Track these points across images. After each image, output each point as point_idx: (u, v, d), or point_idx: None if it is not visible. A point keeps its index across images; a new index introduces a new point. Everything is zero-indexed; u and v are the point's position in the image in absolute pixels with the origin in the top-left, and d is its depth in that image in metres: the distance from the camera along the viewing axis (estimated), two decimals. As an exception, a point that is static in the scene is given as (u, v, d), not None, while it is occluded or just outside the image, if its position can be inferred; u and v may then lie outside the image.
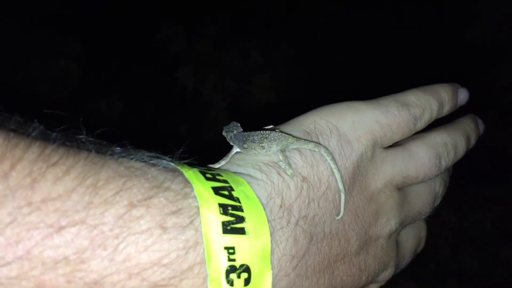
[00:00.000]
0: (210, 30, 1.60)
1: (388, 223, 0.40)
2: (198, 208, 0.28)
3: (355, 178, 0.38)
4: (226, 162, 0.38)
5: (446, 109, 0.44)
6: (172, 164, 0.32)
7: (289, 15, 1.65)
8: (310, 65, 1.54)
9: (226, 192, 0.31)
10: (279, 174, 0.35)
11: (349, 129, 0.39)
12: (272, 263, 0.30)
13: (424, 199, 0.43)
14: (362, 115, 0.40)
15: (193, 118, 1.51)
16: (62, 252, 0.24)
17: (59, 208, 0.25)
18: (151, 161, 0.31)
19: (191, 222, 0.28)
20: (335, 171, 0.36)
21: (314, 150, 0.36)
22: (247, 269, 0.29)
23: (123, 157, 0.30)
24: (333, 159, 0.36)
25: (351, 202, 0.37)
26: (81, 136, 0.29)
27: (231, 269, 0.28)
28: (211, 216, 0.29)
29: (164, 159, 0.32)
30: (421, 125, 0.42)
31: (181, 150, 0.33)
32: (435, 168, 0.42)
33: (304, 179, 0.35)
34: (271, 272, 0.30)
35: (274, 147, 0.36)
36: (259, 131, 0.38)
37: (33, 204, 0.24)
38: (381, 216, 0.39)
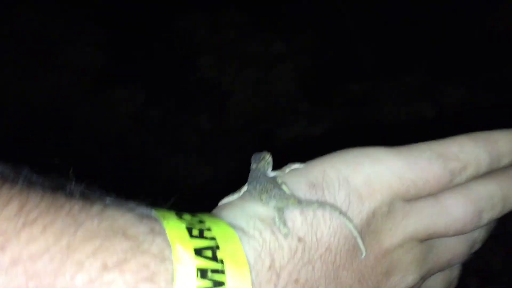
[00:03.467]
0: (233, 19, 1.60)
1: (403, 280, 0.36)
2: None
3: (363, 237, 0.34)
4: (237, 198, 0.36)
5: (505, 161, 0.38)
6: (158, 218, 0.30)
7: (314, 1, 1.63)
8: (335, 54, 1.52)
9: (209, 254, 0.29)
10: (273, 232, 0.32)
11: (363, 182, 0.35)
12: None
13: (455, 250, 0.38)
14: (381, 167, 0.35)
15: (213, 107, 1.51)
16: None
17: (27, 270, 0.24)
18: (138, 212, 0.30)
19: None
20: (346, 222, 0.33)
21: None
22: None
23: (110, 209, 0.29)
24: (342, 212, 0.33)
25: (356, 262, 0.34)
26: (71, 185, 0.28)
27: None
28: (187, 283, 0.27)
29: (155, 208, 0.31)
30: (461, 180, 0.37)
31: (172, 199, 0.31)
32: (471, 224, 0.37)
33: (300, 239, 0.32)
34: None
35: (272, 203, 0.33)
36: (265, 180, 0.35)
37: (1, 267, 0.24)
38: (394, 273, 0.36)
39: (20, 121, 1.33)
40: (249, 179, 0.37)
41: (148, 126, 1.45)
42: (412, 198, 0.36)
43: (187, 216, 0.31)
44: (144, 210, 0.31)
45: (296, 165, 0.36)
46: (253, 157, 0.39)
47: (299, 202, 0.33)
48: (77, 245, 0.26)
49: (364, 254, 0.33)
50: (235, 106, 1.50)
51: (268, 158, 0.38)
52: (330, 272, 0.32)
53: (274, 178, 0.36)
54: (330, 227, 0.33)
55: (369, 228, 0.34)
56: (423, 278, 0.37)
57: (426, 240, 0.37)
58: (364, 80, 1.42)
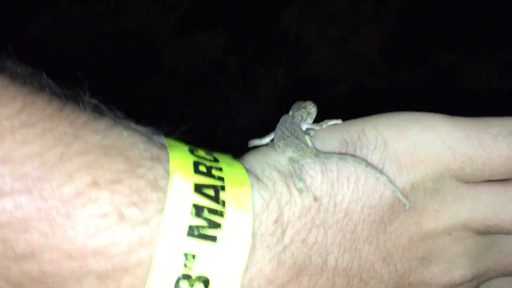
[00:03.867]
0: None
1: (447, 273, 0.32)
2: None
3: (397, 211, 0.30)
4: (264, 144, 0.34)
5: None
6: (167, 147, 0.28)
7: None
8: (424, 22, 1.41)
9: (210, 193, 0.27)
10: (288, 185, 0.30)
11: (405, 149, 0.31)
12: (242, 282, 0.27)
13: None
14: (431, 135, 0.31)
15: (290, 62, 1.49)
16: (4, 218, 0.23)
17: (15, 171, 0.24)
18: (147, 138, 0.28)
19: (153, 218, 0.26)
20: (377, 175, 0.30)
21: (342, 164, 0.30)
22: (205, 281, 0.26)
23: (117, 128, 0.28)
24: (369, 164, 0.30)
25: (383, 238, 0.30)
26: (86, 97, 0.27)
27: (184, 277, 0.26)
28: (178, 217, 0.26)
29: (168, 138, 0.29)
30: None
31: (184, 127, 0.30)
32: None
33: (316, 199, 0.30)
34: None
35: (289, 153, 0.32)
36: (291, 128, 0.33)
37: None
38: (435, 263, 0.32)
39: (110, 57, 1.40)
40: (278, 125, 0.35)
41: (224, 72, 1.46)
42: (470, 179, 0.32)
43: (200, 152, 0.30)
44: (156, 137, 0.30)
45: (335, 121, 0.34)
46: (294, 104, 0.37)
47: (317, 154, 0.31)
48: (71, 156, 0.25)
49: (407, 206, 0.30)
50: (313, 63, 1.46)
51: (310, 108, 0.35)
52: (346, 241, 0.30)
53: (300, 128, 0.33)
54: (354, 191, 0.30)
55: (401, 204, 0.30)
56: (477, 278, 0.33)
57: (485, 233, 0.32)
58: (450, 52, 1.31)
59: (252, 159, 0.33)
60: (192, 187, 0.27)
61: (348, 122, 0.34)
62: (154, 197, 0.26)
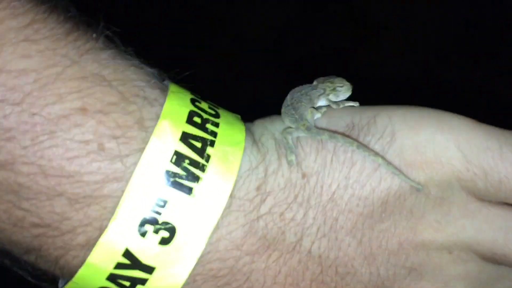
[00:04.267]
0: None
1: None
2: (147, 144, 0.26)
3: (390, 210, 0.28)
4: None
5: None
6: (167, 91, 0.28)
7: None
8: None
9: (197, 145, 0.27)
10: (279, 155, 0.29)
11: (413, 146, 0.28)
12: (209, 240, 0.27)
13: None
14: (447, 137, 0.28)
15: (364, 38, 1.42)
16: None
17: (8, 82, 0.24)
18: (151, 77, 0.28)
19: (132, 155, 0.26)
20: (371, 156, 0.28)
21: (340, 146, 0.29)
22: (171, 230, 0.26)
23: (121, 60, 0.28)
24: (361, 146, 0.28)
25: (368, 235, 0.28)
26: (100, 27, 0.27)
27: (150, 220, 0.26)
28: (156, 160, 0.26)
29: (173, 83, 0.29)
30: None
31: (188, 72, 0.29)
32: None
33: (304, 176, 0.28)
34: (202, 249, 0.26)
35: (287, 122, 0.30)
36: (294, 96, 0.31)
37: None
38: (426, 278, 0.29)
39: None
40: (294, 92, 0.33)
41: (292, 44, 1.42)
42: (484, 196, 0.29)
43: (203, 104, 0.30)
44: (161, 80, 0.29)
45: (352, 103, 0.32)
46: (327, 77, 0.34)
47: (308, 128, 0.29)
48: (65, 79, 0.25)
49: (421, 188, 0.28)
50: (386, 39, 1.39)
51: (338, 85, 0.32)
52: (327, 227, 0.28)
53: (309, 100, 0.32)
54: (346, 177, 0.28)
55: (403, 204, 0.28)
56: None
57: (493, 262, 0.29)
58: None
59: (259, 123, 0.32)
60: (179, 135, 0.27)
61: (364, 107, 0.32)
62: (138, 136, 0.26)
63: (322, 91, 0.33)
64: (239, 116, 0.32)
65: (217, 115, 0.29)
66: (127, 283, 0.27)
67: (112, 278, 0.26)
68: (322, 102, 0.33)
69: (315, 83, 0.34)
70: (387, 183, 0.28)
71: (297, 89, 0.33)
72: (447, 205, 0.29)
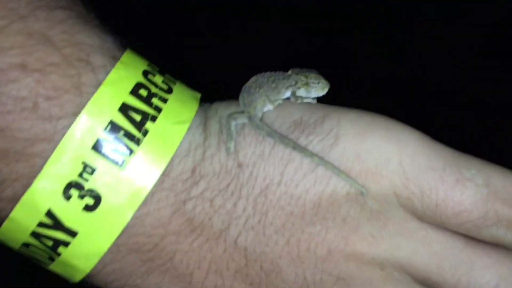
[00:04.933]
0: None
1: None
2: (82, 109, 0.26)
3: (322, 214, 0.27)
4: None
5: None
6: (121, 61, 0.28)
7: None
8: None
9: (136, 117, 0.27)
10: (219, 141, 0.29)
11: (355, 152, 0.27)
12: (134, 214, 0.27)
13: None
14: (393, 149, 0.27)
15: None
16: None
17: None
18: (101, 44, 0.28)
19: (64, 118, 0.26)
20: (308, 157, 0.27)
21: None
22: (96, 198, 0.26)
23: (73, 23, 0.27)
24: (297, 146, 0.27)
25: (297, 236, 0.27)
26: None
27: (76, 185, 0.26)
28: (89, 126, 0.26)
29: (132, 53, 0.28)
30: (499, 236, 0.27)
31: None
32: None
33: (240, 166, 0.28)
34: (127, 221, 0.26)
35: (234, 107, 0.30)
36: (256, 81, 0.30)
37: None
38: None
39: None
40: (261, 75, 0.32)
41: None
42: (423, 217, 0.27)
43: (157, 78, 0.29)
44: (117, 48, 0.29)
45: (310, 100, 0.31)
46: (304, 69, 0.32)
47: (251, 119, 0.28)
48: (10, 33, 0.25)
49: (365, 192, 0.27)
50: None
51: (312, 80, 0.31)
52: (255, 221, 0.28)
53: (270, 88, 0.30)
54: (280, 174, 0.28)
55: (337, 210, 0.27)
56: None
57: (425, 286, 0.28)
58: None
59: (215, 105, 0.32)
60: (118, 105, 0.27)
61: (319, 105, 0.30)
62: (74, 101, 0.26)
63: (293, 82, 0.31)
64: (198, 95, 0.31)
65: (169, 91, 0.29)
66: (50, 243, 0.27)
67: (35, 235, 0.27)
68: (287, 94, 0.31)
69: (289, 72, 0.32)
70: (322, 186, 0.27)
71: (266, 73, 0.32)
72: (384, 220, 0.28)
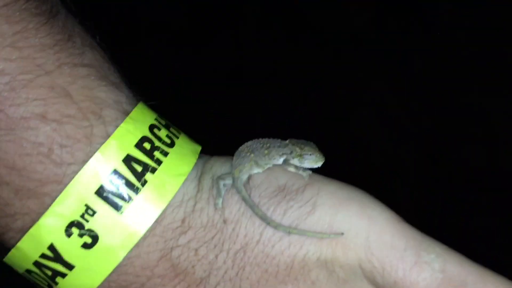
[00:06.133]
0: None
1: None
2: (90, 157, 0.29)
3: (294, 276, 0.30)
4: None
5: None
6: (131, 114, 0.31)
7: None
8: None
9: (138, 168, 0.30)
10: (209, 196, 0.31)
11: (329, 223, 0.29)
12: (127, 255, 0.29)
13: None
14: (363, 225, 0.29)
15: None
16: None
17: None
18: (115, 98, 0.31)
19: (74, 164, 0.29)
20: (286, 232, 0.29)
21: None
22: (94, 237, 0.29)
23: (94, 79, 0.30)
24: (278, 226, 0.29)
25: None
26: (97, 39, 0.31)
27: (77, 224, 0.29)
28: (95, 173, 0.28)
29: (144, 103, 0.31)
30: None
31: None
32: None
33: (225, 221, 0.31)
34: (119, 260, 0.29)
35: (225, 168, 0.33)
36: (252, 146, 0.33)
37: None
38: None
39: None
40: (258, 141, 0.34)
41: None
42: None
43: (162, 132, 0.32)
44: (128, 101, 0.32)
45: (302, 173, 0.32)
46: (301, 140, 0.34)
47: (234, 179, 0.31)
48: (36, 86, 0.28)
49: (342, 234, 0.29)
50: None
51: (306, 153, 0.33)
52: (233, 273, 0.30)
53: (263, 155, 0.33)
54: (261, 234, 0.30)
55: (308, 274, 0.29)
56: None
57: None
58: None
59: (213, 160, 0.34)
60: (123, 156, 0.30)
61: (313, 176, 0.33)
62: (84, 149, 0.29)
63: (288, 151, 0.33)
64: (198, 149, 0.34)
65: (171, 145, 0.32)
66: (49, 272, 0.30)
67: (37, 264, 0.30)
68: (280, 160, 0.33)
69: (287, 141, 0.34)
70: (295, 249, 0.30)
71: (264, 140, 0.34)
72: None
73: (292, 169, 0.32)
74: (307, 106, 1.09)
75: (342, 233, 0.29)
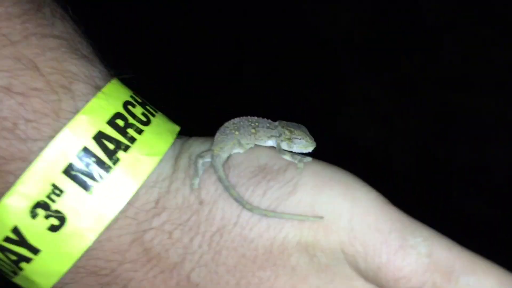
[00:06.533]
0: None
1: None
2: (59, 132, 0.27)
3: (273, 261, 0.28)
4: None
5: None
6: (104, 89, 0.29)
7: None
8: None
9: (110, 146, 0.28)
10: (186, 176, 0.29)
11: (311, 204, 0.28)
12: (97, 238, 0.28)
13: None
14: (346, 207, 0.28)
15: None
16: None
17: None
18: (88, 73, 0.29)
19: (40, 141, 0.27)
20: (261, 215, 0.28)
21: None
22: (61, 219, 0.27)
23: (66, 51, 0.29)
24: (237, 198, 0.28)
25: (248, 278, 0.28)
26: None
27: (43, 205, 0.27)
28: (62, 150, 0.27)
29: (120, 82, 0.29)
30: None
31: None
32: None
33: (201, 202, 0.29)
34: (89, 244, 0.28)
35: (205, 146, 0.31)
36: (239, 123, 0.31)
37: None
38: None
39: None
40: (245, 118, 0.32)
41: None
42: (366, 276, 0.28)
43: (137, 109, 0.30)
44: (102, 78, 0.30)
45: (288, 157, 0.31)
46: (292, 123, 0.32)
47: (213, 157, 0.29)
48: (1, 57, 0.27)
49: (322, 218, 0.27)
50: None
51: (296, 136, 0.31)
52: (209, 258, 0.29)
53: (249, 134, 0.31)
54: (237, 216, 0.28)
55: (287, 259, 0.28)
56: None
57: None
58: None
59: (192, 140, 0.32)
60: (94, 133, 0.28)
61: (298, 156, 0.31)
62: (51, 125, 0.27)
63: (277, 134, 0.31)
64: (177, 129, 0.32)
65: (146, 123, 0.30)
66: (14, 257, 0.28)
67: (1, 248, 0.28)
68: (269, 143, 0.32)
69: (277, 123, 0.32)
70: (274, 232, 0.28)
71: (253, 118, 0.32)
72: (331, 275, 0.28)
73: (288, 158, 0.30)
74: (300, 102, 1.09)
75: (322, 217, 0.27)
